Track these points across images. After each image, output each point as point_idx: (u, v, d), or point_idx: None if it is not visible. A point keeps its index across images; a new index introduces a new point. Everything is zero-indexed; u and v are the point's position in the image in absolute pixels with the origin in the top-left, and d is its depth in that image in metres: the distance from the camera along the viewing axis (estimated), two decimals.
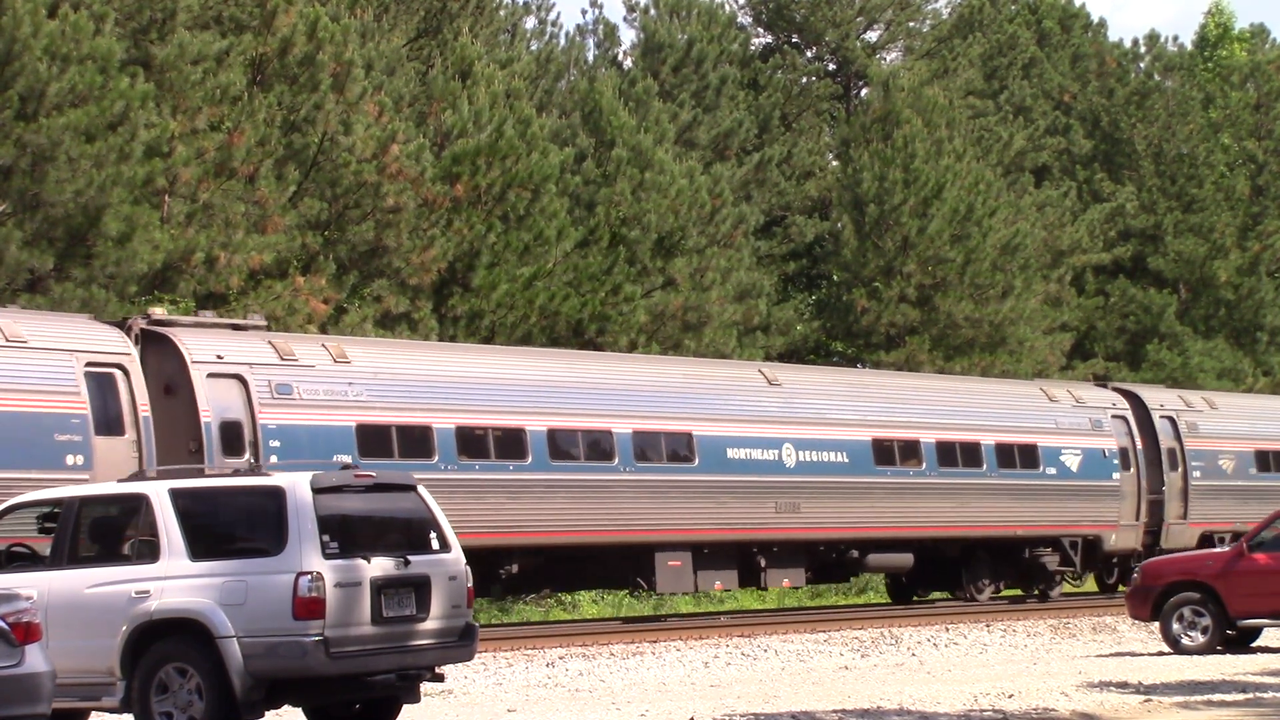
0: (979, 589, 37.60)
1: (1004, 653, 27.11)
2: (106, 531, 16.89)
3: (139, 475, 17.14)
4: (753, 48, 62.89)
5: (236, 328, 27.92)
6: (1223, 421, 42.65)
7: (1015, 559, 38.30)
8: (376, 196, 38.41)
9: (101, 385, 25.13)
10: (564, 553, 30.71)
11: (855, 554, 34.79)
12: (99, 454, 24.62)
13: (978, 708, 17.72)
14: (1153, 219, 63.19)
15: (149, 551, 16.15)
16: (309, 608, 15.39)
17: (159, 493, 16.32)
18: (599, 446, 30.82)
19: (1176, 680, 20.47)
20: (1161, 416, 41.06)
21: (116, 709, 16.08)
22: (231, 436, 26.26)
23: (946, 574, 37.71)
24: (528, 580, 31.21)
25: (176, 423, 26.03)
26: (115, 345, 25.67)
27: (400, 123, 39.78)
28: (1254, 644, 25.84)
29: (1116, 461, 39.60)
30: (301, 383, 27.23)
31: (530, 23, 57.53)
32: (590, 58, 57.98)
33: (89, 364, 25.07)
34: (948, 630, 29.64)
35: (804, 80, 63.45)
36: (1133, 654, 25.84)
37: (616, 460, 30.76)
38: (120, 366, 25.42)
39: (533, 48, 55.31)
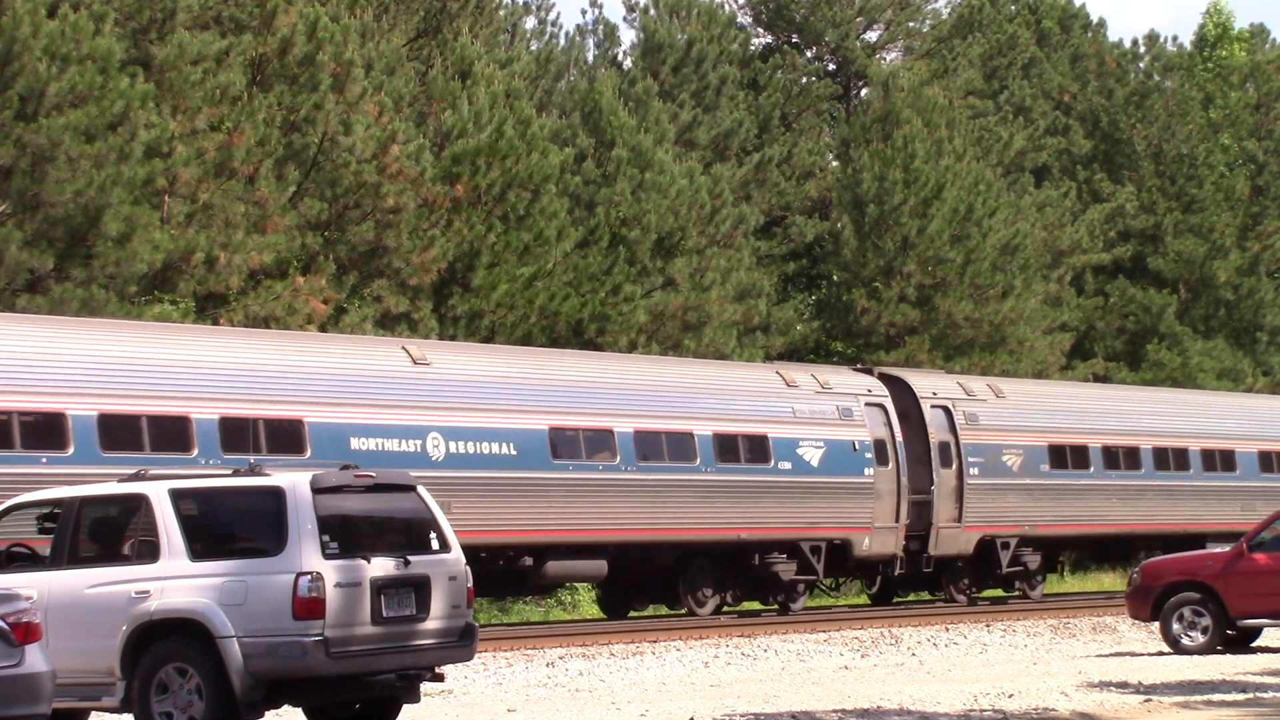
0: (699, 601, 33.21)
1: (1004, 652, 27.11)
2: (106, 531, 16.88)
3: (139, 475, 17.12)
4: (753, 48, 62.91)
5: None
6: (1010, 411, 38.27)
7: (744, 567, 33.64)
8: (376, 196, 38.42)
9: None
10: None
11: (529, 561, 30.11)
12: None
13: (978, 708, 17.73)
14: (1152, 219, 63.21)
15: (149, 551, 16.15)
16: (309, 608, 15.39)
17: (159, 493, 16.32)
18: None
19: (1176, 680, 20.47)
20: (933, 406, 36.66)
21: (116, 709, 16.08)
22: None
23: (664, 584, 33.46)
24: None
25: None
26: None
27: (400, 123, 39.80)
28: (1254, 644, 25.85)
29: (870, 455, 34.97)
30: None
31: (530, 23, 57.62)
32: (590, 58, 58.03)
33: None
34: (948, 630, 29.65)
35: (804, 80, 63.47)
36: (1133, 654, 25.84)
37: (195, 451, 26.09)
38: None
39: (533, 48, 55.31)
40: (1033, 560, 38.63)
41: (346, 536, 15.95)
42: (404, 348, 30.10)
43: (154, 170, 33.49)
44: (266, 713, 16.00)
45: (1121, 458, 40.30)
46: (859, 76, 64.81)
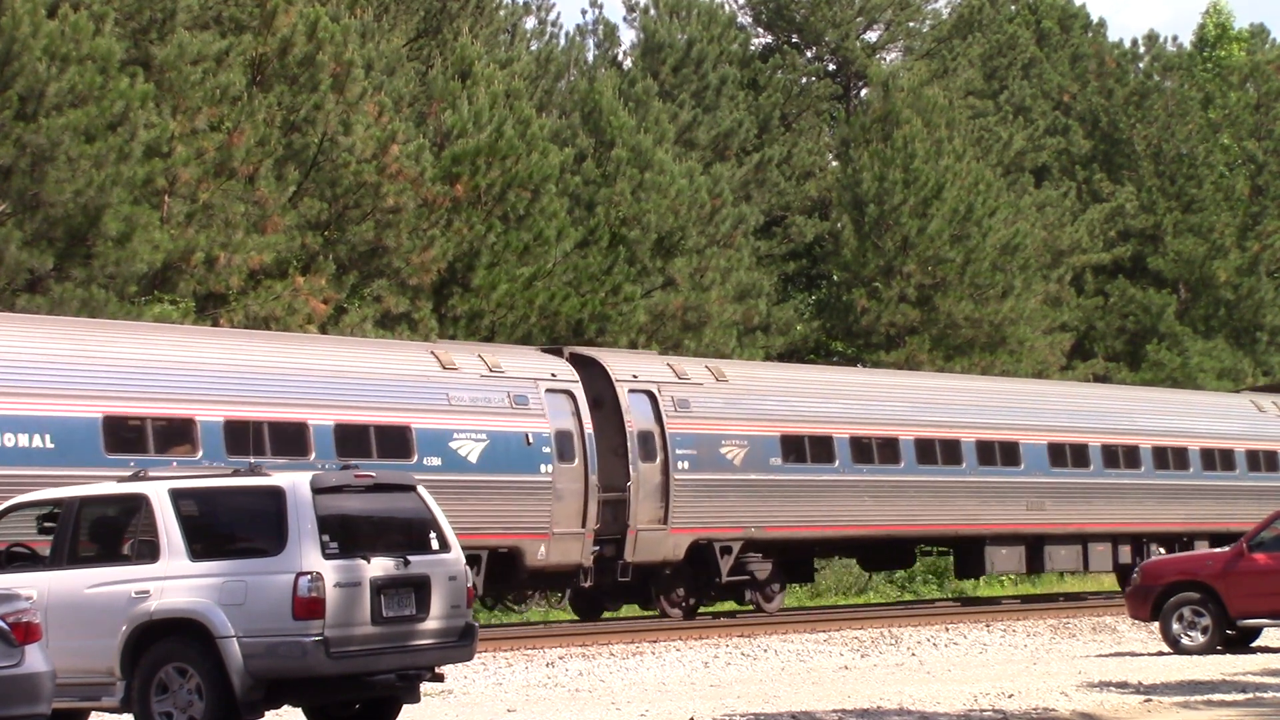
0: None
1: (1004, 652, 27.12)
2: (106, 531, 16.89)
3: (139, 475, 17.12)
4: (753, 48, 62.93)
5: None
6: (733, 397, 33.07)
7: None
8: (376, 196, 38.42)
9: None
10: None
11: None
12: None
13: (978, 708, 17.73)
14: (1152, 219, 63.22)
15: (149, 551, 16.15)
16: (309, 608, 15.39)
17: (159, 493, 16.33)
18: None
19: (1176, 680, 20.48)
20: (633, 390, 31.63)
21: (116, 709, 16.08)
22: None
23: None
24: None
25: None
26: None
27: (400, 123, 39.81)
28: (1254, 644, 25.85)
29: (549, 450, 30.03)
30: None
31: (530, 23, 57.61)
32: (590, 58, 58.03)
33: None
34: (948, 630, 29.67)
35: (804, 80, 63.48)
36: (1133, 654, 25.85)
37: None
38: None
39: (533, 48, 55.31)
40: (761, 568, 33.76)
41: (346, 536, 15.96)
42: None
43: (154, 170, 33.50)
44: (266, 713, 16.00)
45: (875, 451, 35.02)
46: (859, 76, 64.83)
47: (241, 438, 26.35)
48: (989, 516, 37.01)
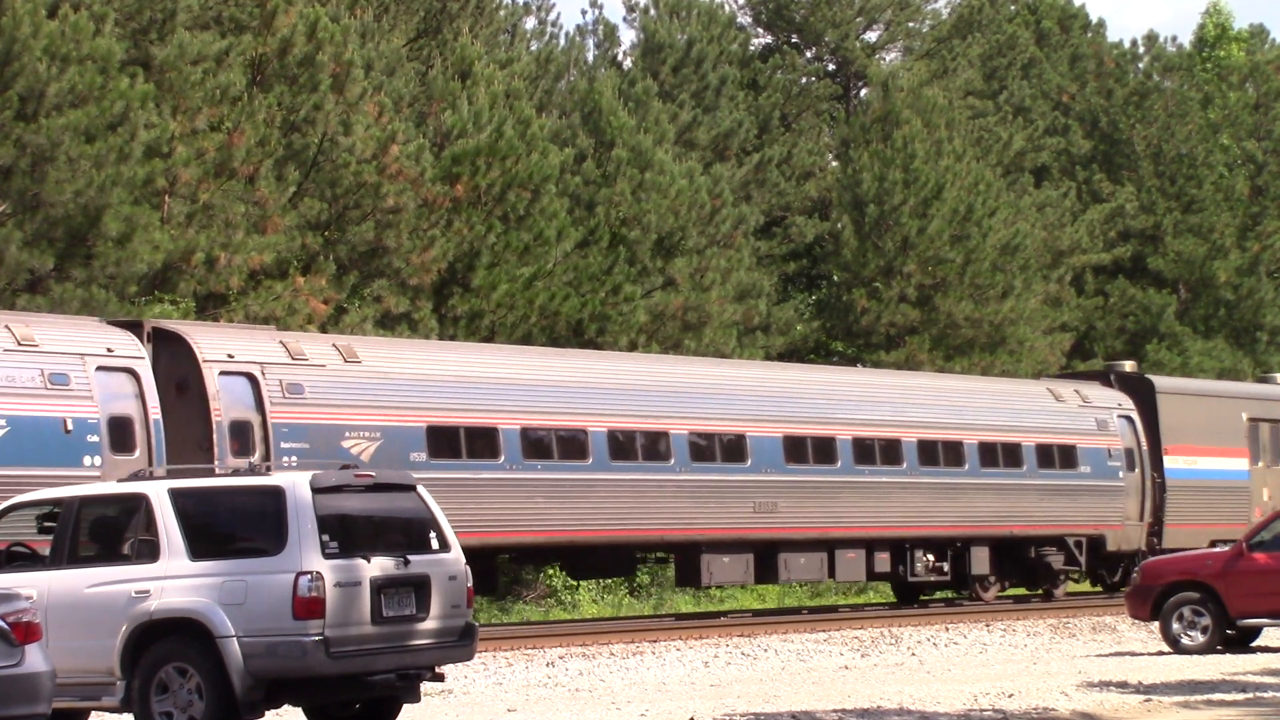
0: None
1: (1004, 652, 27.13)
2: (106, 531, 16.89)
3: (139, 475, 17.13)
4: (752, 48, 62.89)
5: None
6: (366, 381, 28.39)
7: None
8: (376, 197, 38.42)
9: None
10: None
11: None
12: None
13: (978, 707, 17.73)
14: (1152, 219, 63.22)
15: (149, 551, 16.16)
16: (309, 607, 15.40)
17: (159, 493, 16.33)
18: None
19: (1176, 680, 20.48)
20: (225, 372, 26.86)
21: (116, 709, 16.09)
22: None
23: None
24: None
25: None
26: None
27: (400, 123, 39.80)
28: (1254, 644, 25.87)
29: (97, 439, 25.18)
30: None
31: (530, 23, 57.57)
32: (590, 58, 58.00)
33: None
34: (948, 630, 29.68)
35: (804, 80, 63.45)
36: (1133, 654, 25.86)
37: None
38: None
39: (533, 48, 55.28)
40: None
41: (346, 536, 15.97)
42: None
43: (154, 170, 33.49)
44: (266, 713, 16.01)
45: (555, 445, 30.57)
46: (859, 77, 64.81)
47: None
48: (705, 520, 32.21)
